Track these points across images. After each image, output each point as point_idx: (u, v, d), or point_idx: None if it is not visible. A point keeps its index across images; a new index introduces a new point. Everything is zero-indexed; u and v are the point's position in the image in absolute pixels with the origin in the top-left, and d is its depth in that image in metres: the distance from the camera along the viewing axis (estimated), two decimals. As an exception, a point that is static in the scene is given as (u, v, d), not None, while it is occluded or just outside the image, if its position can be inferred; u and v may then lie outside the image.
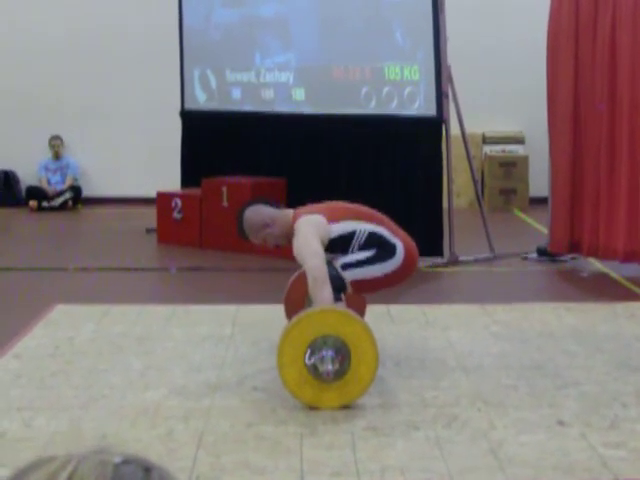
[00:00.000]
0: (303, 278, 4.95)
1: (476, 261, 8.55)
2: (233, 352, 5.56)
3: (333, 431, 4.29)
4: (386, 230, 5.15)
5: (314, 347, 4.56)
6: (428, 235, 8.22)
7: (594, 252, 8.08)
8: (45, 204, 12.03)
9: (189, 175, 10.23)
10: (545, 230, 8.96)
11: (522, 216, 11.45)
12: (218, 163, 9.89)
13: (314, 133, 9.28)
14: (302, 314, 4.70)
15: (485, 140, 12.23)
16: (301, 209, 5.23)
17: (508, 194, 11.99)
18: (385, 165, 8.76)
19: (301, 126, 9.37)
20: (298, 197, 8.07)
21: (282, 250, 5.84)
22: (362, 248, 5.07)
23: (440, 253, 8.44)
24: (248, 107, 9.88)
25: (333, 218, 5.09)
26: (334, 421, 4.41)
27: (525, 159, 12.05)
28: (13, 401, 4.68)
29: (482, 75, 11.80)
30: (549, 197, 8.57)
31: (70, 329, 6.04)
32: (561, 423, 4.36)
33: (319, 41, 9.23)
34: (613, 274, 7.90)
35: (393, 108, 8.71)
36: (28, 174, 12.42)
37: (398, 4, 8.60)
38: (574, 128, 8.15)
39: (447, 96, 8.48)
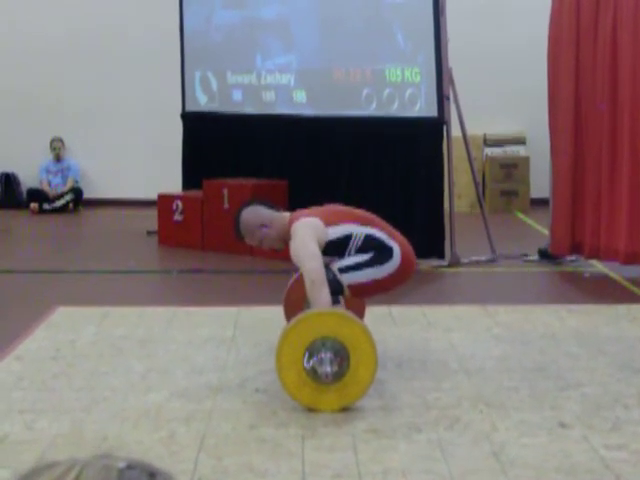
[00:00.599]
0: (302, 280, 4.95)
1: (477, 263, 8.55)
2: (235, 354, 5.55)
3: (335, 433, 4.28)
4: (383, 233, 5.14)
5: (312, 349, 4.56)
6: (429, 237, 8.23)
7: (595, 254, 8.08)
8: (46, 206, 12.03)
9: (190, 177, 10.23)
10: (546, 231, 8.95)
11: (523, 217, 11.45)
12: (219, 165, 9.89)
13: (315, 135, 9.28)
14: (300, 316, 4.69)
15: (486, 141, 12.23)
16: (297, 212, 5.23)
17: (509, 195, 11.99)
18: (386, 167, 8.75)
19: (302, 128, 9.37)
20: (299, 199, 8.08)
21: (282, 252, 5.84)
22: (359, 251, 5.06)
23: (441, 255, 8.44)
24: (249, 109, 9.88)
25: (330, 221, 5.08)
26: (335, 423, 4.41)
27: (526, 160, 12.04)
28: (14, 404, 4.68)
29: (483, 76, 11.80)
30: (550, 198, 8.57)
31: (71, 331, 6.04)
32: (563, 425, 4.35)
33: (320, 43, 9.23)
34: (614, 275, 7.90)
35: (394, 110, 8.70)
36: (29, 176, 12.42)
37: (399, 6, 8.60)
38: (575, 129, 8.15)
39: (448, 98, 8.47)
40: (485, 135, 12.20)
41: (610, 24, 7.78)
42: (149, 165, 12.31)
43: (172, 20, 10.52)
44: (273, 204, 5.34)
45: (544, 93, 8.51)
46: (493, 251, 8.75)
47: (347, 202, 5.57)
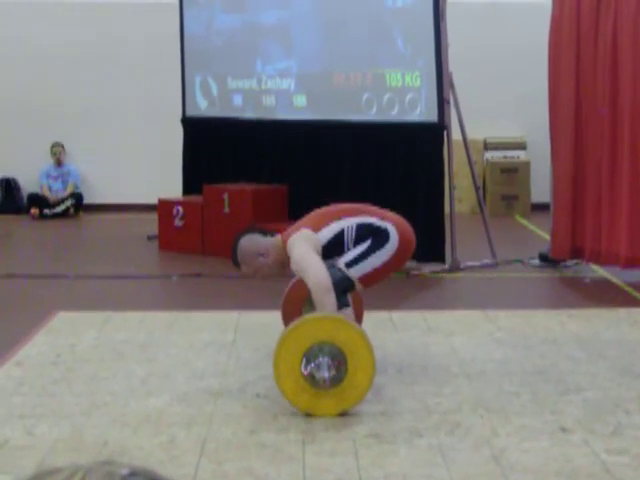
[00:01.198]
0: (300, 284, 4.94)
1: (478, 267, 8.54)
2: (235, 359, 5.55)
3: (335, 438, 4.28)
4: (373, 217, 5.15)
5: (310, 355, 4.55)
6: (430, 241, 8.22)
7: (596, 258, 8.07)
8: (46, 211, 12.03)
9: (190, 182, 10.24)
10: (547, 236, 8.95)
11: (524, 222, 11.45)
12: (219, 170, 9.90)
13: (315, 139, 9.28)
14: (297, 322, 4.69)
15: (487, 146, 12.23)
16: (287, 230, 5.23)
17: (510, 200, 11.99)
18: (386, 171, 8.75)
19: (302, 133, 9.37)
20: (299, 204, 8.09)
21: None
22: (357, 242, 5.06)
23: (442, 259, 8.44)
24: (249, 114, 9.89)
25: (318, 226, 5.09)
26: (336, 428, 4.40)
27: (527, 165, 12.04)
28: (15, 409, 4.67)
29: (483, 81, 11.81)
30: (551, 203, 8.57)
31: (72, 336, 6.04)
32: (564, 429, 4.35)
33: (320, 48, 9.23)
34: (615, 280, 7.89)
35: (394, 114, 8.70)
36: (29, 181, 12.42)
37: (399, 10, 8.60)
38: (576, 134, 8.15)
39: (448, 102, 8.48)
40: (485, 139, 12.20)
41: (610, 29, 7.78)
42: (149, 170, 12.31)
43: (172, 25, 10.53)
44: (268, 231, 5.34)
45: (544, 98, 8.51)
46: (494, 255, 8.74)
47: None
